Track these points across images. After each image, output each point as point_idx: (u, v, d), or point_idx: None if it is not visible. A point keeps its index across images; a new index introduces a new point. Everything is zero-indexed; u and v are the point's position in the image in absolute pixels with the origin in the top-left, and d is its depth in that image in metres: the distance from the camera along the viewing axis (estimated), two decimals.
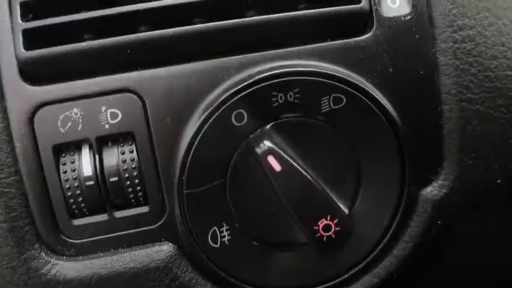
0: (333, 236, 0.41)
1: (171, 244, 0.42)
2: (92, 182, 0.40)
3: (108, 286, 0.41)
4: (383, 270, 0.45)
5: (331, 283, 0.45)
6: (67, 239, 0.41)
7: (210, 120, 0.40)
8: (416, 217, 0.44)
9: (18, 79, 0.39)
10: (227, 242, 0.42)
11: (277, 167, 0.40)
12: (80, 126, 0.40)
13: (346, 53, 0.41)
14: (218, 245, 0.42)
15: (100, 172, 0.40)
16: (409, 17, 0.42)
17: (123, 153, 0.40)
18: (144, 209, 0.42)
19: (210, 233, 0.41)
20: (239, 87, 0.40)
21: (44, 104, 0.39)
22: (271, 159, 0.40)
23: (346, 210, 0.42)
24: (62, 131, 0.40)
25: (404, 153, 0.42)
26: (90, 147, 0.40)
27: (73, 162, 0.40)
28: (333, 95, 0.41)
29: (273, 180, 0.40)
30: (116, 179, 0.40)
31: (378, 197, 0.43)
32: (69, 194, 0.40)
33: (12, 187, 0.40)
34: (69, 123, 0.40)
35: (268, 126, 0.41)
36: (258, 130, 0.40)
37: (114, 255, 0.41)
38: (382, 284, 0.45)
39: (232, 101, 0.40)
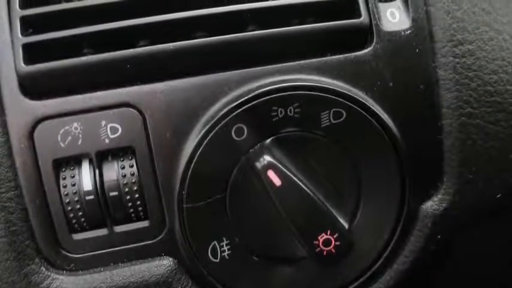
0: (333, 250, 0.41)
1: (171, 259, 0.42)
2: (91, 197, 0.40)
3: None
4: (383, 284, 0.45)
5: None
6: (67, 253, 0.41)
7: (210, 135, 0.40)
8: (416, 232, 0.44)
9: (18, 93, 0.39)
10: (227, 257, 0.42)
11: (277, 181, 0.40)
12: (80, 140, 0.40)
13: (346, 67, 0.41)
14: (218, 260, 0.41)
15: (100, 186, 0.40)
16: (409, 32, 0.42)
17: (123, 168, 0.40)
18: (144, 224, 0.41)
19: (210, 247, 0.41)
20: (239, 101, 0.40)
21: (44, 118, 0.39)
22: (271, 174, 0.40)
23: (346, 225, 0.42)
24: (62, 145, 0.40)
25: (404, 167, 0.42)
26: (90, 162, 0.40)
27: (73, 177, 0.40)
28: (333, 109, 0.41)
29: (273, 195, 0.40)
30: (115, 193, 0.40)
31: (378, 211, 0.43)
32: (69, 208, 0.40)
33: (12, 201, 0.39)
34: (69, 138, 0.40)
35: (268, 141, 0.41)
36: (258, 145, 0.40)
37: (114, 269, 0.41)
38: None
39: (232, 115, 0.40)
